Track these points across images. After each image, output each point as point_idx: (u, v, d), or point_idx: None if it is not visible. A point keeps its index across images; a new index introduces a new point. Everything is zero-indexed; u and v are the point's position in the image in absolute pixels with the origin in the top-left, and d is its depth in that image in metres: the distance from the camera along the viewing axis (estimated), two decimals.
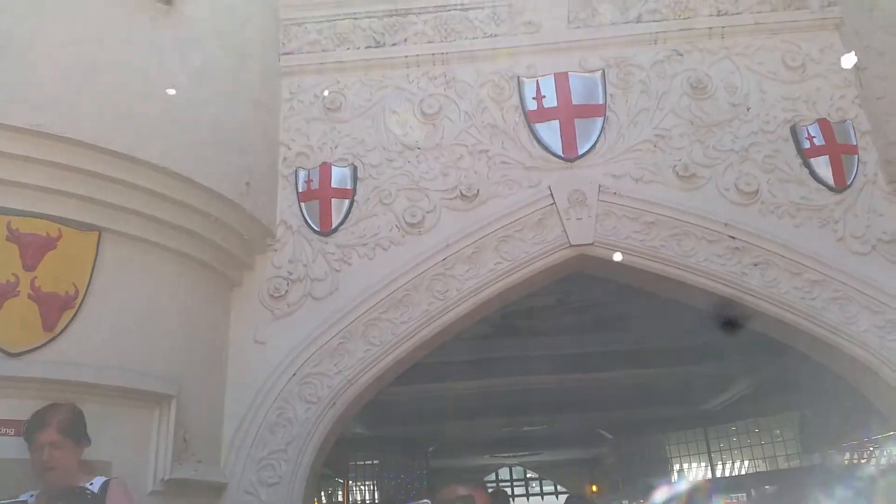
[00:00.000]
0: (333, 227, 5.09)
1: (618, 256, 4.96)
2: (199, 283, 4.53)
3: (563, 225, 5.03)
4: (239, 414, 4.64)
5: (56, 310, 3.67)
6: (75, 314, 3.73)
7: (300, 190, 5.22)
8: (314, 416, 4.65)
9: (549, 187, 5.12)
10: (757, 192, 5.00)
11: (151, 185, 4.05)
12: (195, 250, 4.43)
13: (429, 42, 5.61)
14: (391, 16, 5.63)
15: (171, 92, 4.17)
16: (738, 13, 5.48)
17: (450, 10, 5.63)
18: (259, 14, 5.26)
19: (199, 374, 4.41)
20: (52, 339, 3.63)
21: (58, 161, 3.69)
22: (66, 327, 3.69)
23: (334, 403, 4.70)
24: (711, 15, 5.48)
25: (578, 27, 5.56)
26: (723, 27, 5.45)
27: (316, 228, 5.08)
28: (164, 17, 4.34)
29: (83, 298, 3.78)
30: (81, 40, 3.85)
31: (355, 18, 5.62)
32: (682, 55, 5.41)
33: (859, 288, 4.74)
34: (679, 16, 5.51)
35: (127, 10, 4.14)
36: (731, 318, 5.12)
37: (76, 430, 3.25)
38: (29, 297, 3.60)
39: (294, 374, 4.70)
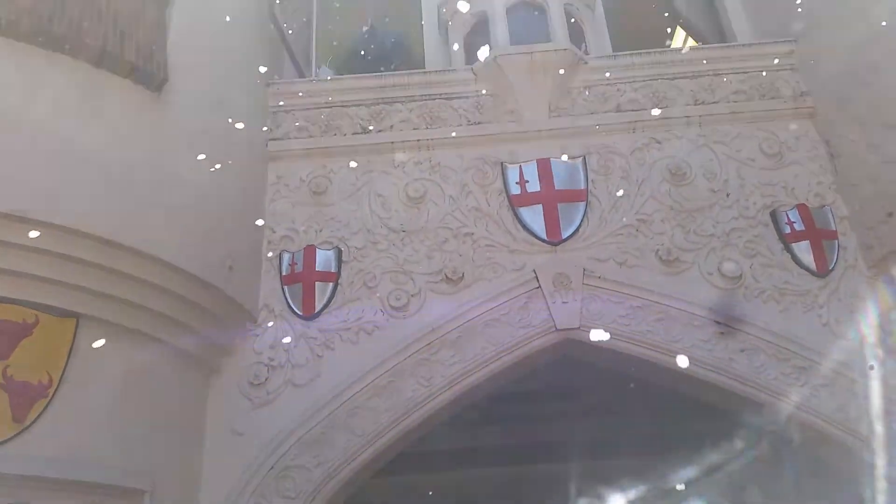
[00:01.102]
0: (317, 311, 5.03)
1: (603, 335, 4.91)
2: (175, 371, 4.42)
3: (548, 309, 5.00)
4: None
5: (27, 400, 3.56)
6: (47, 405, 3.61)
7: (284, 273, 5.18)
8: None
9: (534, 271, 5.12)
10: (740, 277, 5.02)
11: (132, 270, 4.01)
12: (173, 337, 4.34)
13: (414, 129, 5.72)
14: (378, 104, 5.76)
15: (156, 177, 4.18)
16: (714, 102, 5.66)
17: (435, 99, 5.77)
18: (247, 101, 5.36)
19: (174, 467, 4.25)
20: (22, 431, 3.50)
21: (37, 246, 3.64)
22: (36, 419, 3.58)
23: (314, 498, 4.51)
24: (688, 104, 5.65)
25: (559, 115, 5.70)
26: (700, 115, 5.61)
27: (299, 312, 5.01)
28: (151, 103, 4.39)
29: (56, 388, 3.66)
30: (64, 124, 3.86)
31: (343, 106, 5.74)
32: (660, 143, 5.54)
33: (847, 374, 4.70)
34: (657, 105, 5.68)
35: (114, 95, 4.19)
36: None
37: None
38: (0, 386, 3.48)
39: (272, 468, 4.52)
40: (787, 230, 5.17)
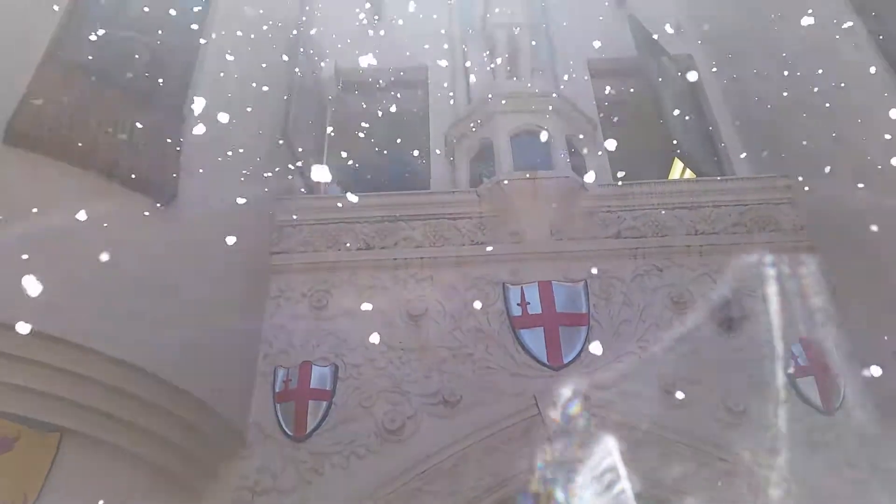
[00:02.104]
0: (308, 431, 4.85)
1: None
2: (158, 493, 4.20)
3: (549, 438, 4.83)
4: None
5: None
6: None
7: (277, 390, 5.05)
8: None
9: (535, 396, 5.00)
10: (745, 411, 4.89)
11: (121, 383, 3.91)
12: (157, 455, 4.17)
13: (417, 247, 5.78)
14: (383, 221, 5.85)
15: (155, 289, 4.15)
16: (714, 233, 5.75)
17: (439, 219, 5.87)
18: (254, 215, 5.43)
19: None
20: None
21: (24, 356, 3.56)
22: None
23: None
24: (689, 234, 5.74)
25: (561, 239, 5.78)
26: (700, 245, 5.67)
27: (289, 433, 4.83)
28: (157, 216, 4.44)
29: None
30: (69, 234, 3.87)
31: (348, 223, 5.83)
32: (661, 270, 5.57)
33: None
34: (657, 233, 5.76)
35: (122, 206, 4.24)
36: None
37: None
38: None
39: None
40: (791, 364, 5.09)
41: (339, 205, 5.95)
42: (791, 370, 5.06)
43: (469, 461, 4.74)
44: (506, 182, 5.87)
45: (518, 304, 5.48)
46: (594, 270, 5.57)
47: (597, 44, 7.38)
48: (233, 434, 4.67)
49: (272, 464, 4.70)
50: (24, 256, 3.64)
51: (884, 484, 4.63)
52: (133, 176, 4.35)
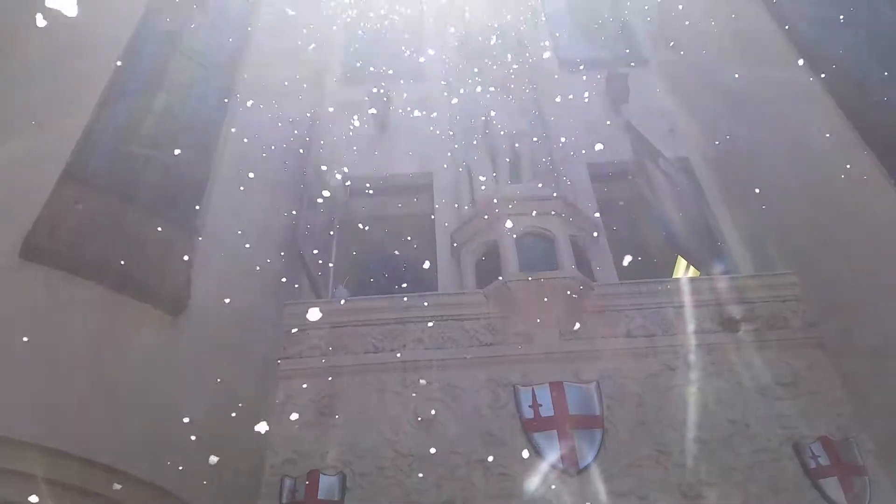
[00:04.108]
0: None
1: None
2: None
3: None
4: None
5: None
6: None
7: (284, 501, 4.88)
8: None
9: (551, 502, 4.83)
10: None
11: (127, 498, 3.80)
12: None
13: (426, 349, 5.75)
14: (390, 324, 5.85)
15: (163, 403, 4.10)
16: (721, 331, 5.73)
17: (447, 321, 5.87)
18: (263, 324, 5.45)
19: None
20: None
21: (29, 472, 3.49)
22: None
23: None
24: (697, 332, 5.73)
25: (570, 339, 5.76)
26: (709, 343, 5.65)
27: None
28: (168, 326, 4.48)
29: None
30: (78, 348, 3.89)
31: (356, 325, 5.83)
32: (673, 369, 5.52)
33: None
34: (665, 332, 5.76)
35: (132, 319, 4.29)
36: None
37: None
38: None
39: None
40: (813, 465, 4.95)
41: (347, 308, 5.98)
42: (812, 470, 4.91)
43: None
44: (512, 283, 5.92)
45: (530, 406, 5.40)
46: (605, 370, 5.52)
47: (596, 147, 7.67)
48: None
49: None
50: (33, 368, 3.64)
51: None
52: (144, 288, 4.42)
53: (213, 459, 4.27)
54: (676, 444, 5.10)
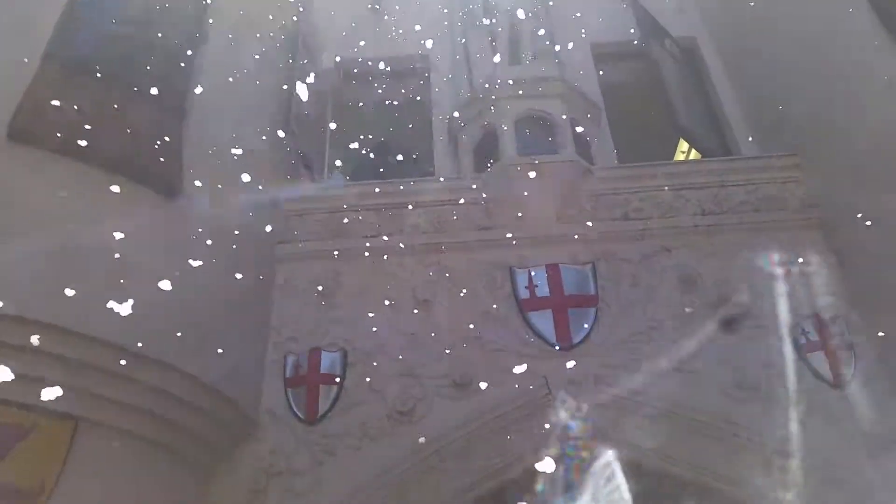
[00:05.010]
0: (319, 415, 4.88)
1: None
2: (173, 476, 4.24)
3: (559, 416, 4.84)
4: None
5: None
6: None
7: (288, 376, 5.07)
8: None
9: (545, 377, 5.00)
10: (756, 387, 4.89)
11: (133, 373, 3.93)
12: (172, 440, 4.20)
13: (424, 233, 5.78)
14: (388, 209, 5.85)
15: (161, 280, 4.16)
16: (721, 213, 5.73)
17: (445, 205, 5.87)
18: (259, 205, 5.44)
19: None
20: None
21: (41, 349, 3.59)
22: None
23: None
24: (696, 213, 5.72)
25: (567, 223, 5.77)
26: (708, 225, 5.66)
27: (301, 417, 4.87)
28: (163, 208, 4.47)
29: (50, 495, 3.49)
30: (74, 227, 3.88)
31: (354, 211, 5.84)
32: (669, 251, 5.56)
33: (872, 490, 4.47)
34: (664, 215, 5.75)
35: (126, 199, 4.25)
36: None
37: None
38: None
39: None
40: (803, 341, 5.08)
41: (344, 193, 5.96)
42: (802, 346, 5.05)
43: (480, 441, 4.76)
44: (510, 167, 5.86)
45: (526, 287, 5.49)
46: (601, 252, 5.57)
47: (600, 27, 7.38)
48: (245, 419, 4.70)
49: (285, 446, 4.74)
50: (32, 251, 3.66)
51: (894, 454, 4.62)
52: (136, 169, 4.38)
53: (217, 336, 4.37)
54: (669, 321, 5.22)
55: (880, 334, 4.97)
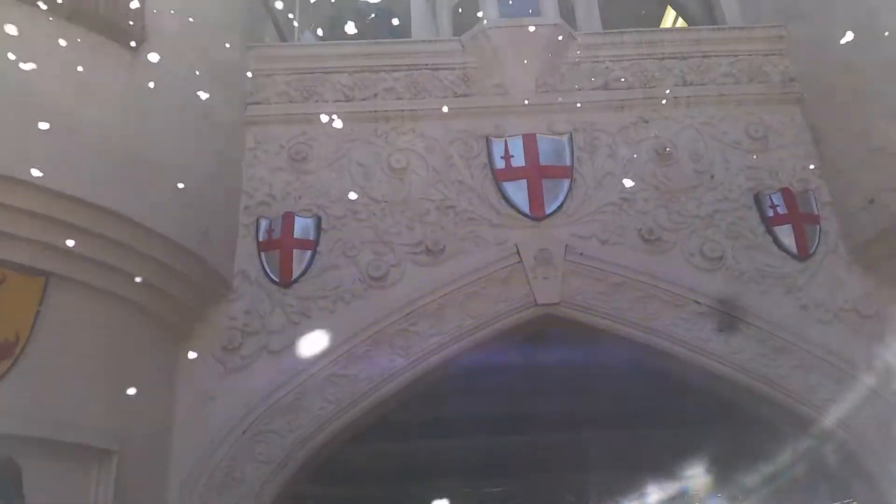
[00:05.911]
0: (293, 278, 4.94)
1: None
2: (146, 334, 4.33)
3: (529, 284, 4.97)
4: (185, 472, 4.39)
5: None
6: (14, 363, 3.50)
7: (261, 239, 5.08)
8: (264, 477, 4.41)
9: (516, 245, 5.08)
10: (721, 258, 5.02)
11: (103, 230, 3.90)
12: (145, 299, 4.24)
13: (398, 98, 5.61)
14: (362, 72, 5.64)
15: (129, 137, 4.03)
16: (702, 84, 5.62)
17: (420, 70, 5.66)
18: (228, 64, 5.21)
19: (144, 429, 4.17)
20: None
21: (6, 203, 3.53)
22: (2, 376, 3.46)
23: (286, 464, 4.46)
24: (677, 84, 5.61)
25: (546, 91, 5.63)
26: (688, 97, 5.57)
27: (275, 279, 4.93)
28: (127, 63, 4.25)
29: (24, 346, 3.56)
30: (35, 79, 3.70)
31: (326, 73, 5.61)
32: (647, 122, 5.50)
33: (822, 356, 4.74)
34: (645, 84, 5.63)
35: (89, 54, 4.03)
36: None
37: (8, 490, 3.01)
38: None
39: (244, 432, 4.47)
40: (770, 213, 5.18)
41: (316, 53, 5.72)
42: (769, 218, 5.15)
43: (451, 305, 4.89)
44: (491, 29, 5.62)
45: (502, 157, 5.44)
46: (579, 122, 5.49)
47: None
48: (218, 279, 4.75)
49: (260, 307, 4.83)
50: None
51: (846, 324, 4.87)
52: (95, 17, 4.11)
53: (181, 186, 4.29)
54: (642, 193, 5.25)
55: (847, 211, 5.07)
